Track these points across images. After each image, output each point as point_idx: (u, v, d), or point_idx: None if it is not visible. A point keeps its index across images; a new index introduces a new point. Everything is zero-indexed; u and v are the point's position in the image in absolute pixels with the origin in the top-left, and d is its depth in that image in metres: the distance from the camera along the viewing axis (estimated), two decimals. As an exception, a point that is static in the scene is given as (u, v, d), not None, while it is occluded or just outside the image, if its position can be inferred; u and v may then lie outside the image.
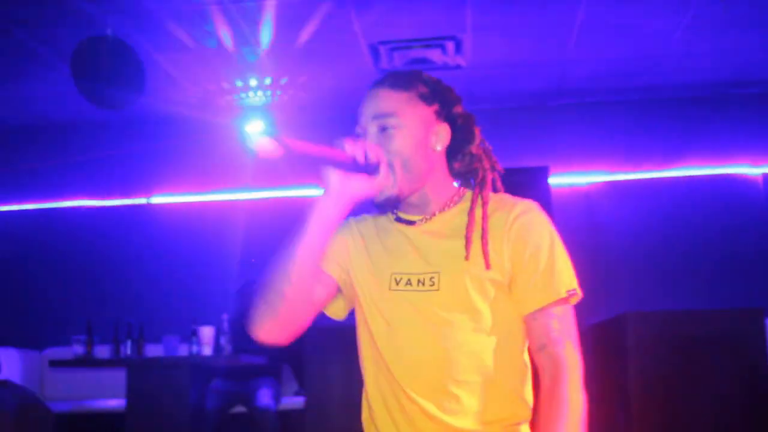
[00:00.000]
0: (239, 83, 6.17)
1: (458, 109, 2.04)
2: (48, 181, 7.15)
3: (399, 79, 2.00)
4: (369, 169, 1.88)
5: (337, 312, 2.09)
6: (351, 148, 1.87)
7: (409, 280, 1.94)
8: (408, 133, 1.95)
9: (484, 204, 1.95)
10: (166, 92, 6.29)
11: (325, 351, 4.79)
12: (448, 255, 1.93)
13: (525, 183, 6.31)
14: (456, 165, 2.03)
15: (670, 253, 6.46)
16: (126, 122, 6.91)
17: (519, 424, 1.93)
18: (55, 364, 5.48)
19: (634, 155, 6.69)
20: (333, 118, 6.46)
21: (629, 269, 6.45)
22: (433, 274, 1.93)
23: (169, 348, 5.41)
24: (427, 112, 1.98)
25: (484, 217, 1.92)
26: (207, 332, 5.29)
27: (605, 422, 4.70)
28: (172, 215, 7.03)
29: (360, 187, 1.89)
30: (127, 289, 6.79)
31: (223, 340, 5.38)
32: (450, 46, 5.57)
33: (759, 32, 5.52)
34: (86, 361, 5.54)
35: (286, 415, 5.51)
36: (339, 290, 2.05)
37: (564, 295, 1.89)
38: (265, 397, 5.41)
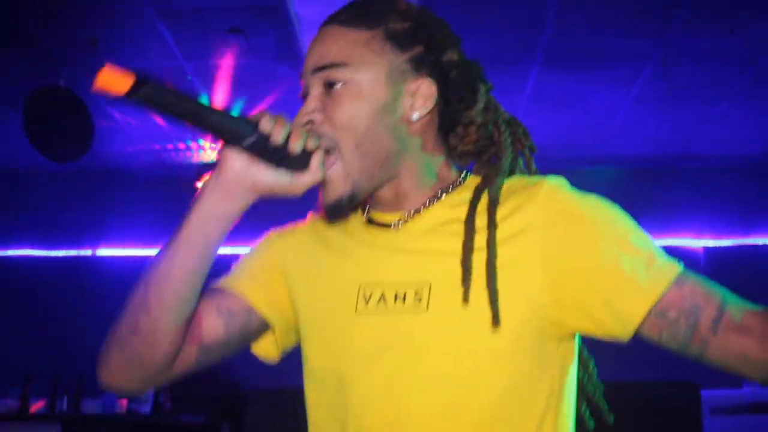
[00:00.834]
0: (191, 141, 6.19)
1: (452, 55, 1.35)
2: (-8, 228, 7.09)
3: (360, 11, 1.34)
4: (290, 159, 1.24)
5: (266, 352, 1.47)
6: (266, 125, 1.22)
7: (383, 295, 1.29)
8: (365, 93, 1.29)
9: (491, 206, 1.26)
10: (119, 145, 6.29)
11: (271, 412, 4.73)
12: (443, 262, 1.27)
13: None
14: (452, 141, 1.40)
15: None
16: (75, 173, 6.87)
17: None
18: (-13, 417, 5.36)
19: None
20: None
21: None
22: (418, 288, 1.27)
23: (107, 404, 5.33)
24: (399, 60, 1.31)
25: (491, 230, 1.24)
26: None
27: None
28: (117, 268, 6.97)
29: (273, 181, 1.25)
30: (67, 342, 6.68)
31: (161, 398, 5.32)
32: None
33: (702, 107, 5.70)
34: (20, 416, 5.42)
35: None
36: (265, 323, 1.43)
37: (673, 278, 1.19)
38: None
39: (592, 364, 1.40)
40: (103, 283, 6.86)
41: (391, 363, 1.26)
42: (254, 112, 1.25)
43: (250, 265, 1.47)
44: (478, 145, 1.40)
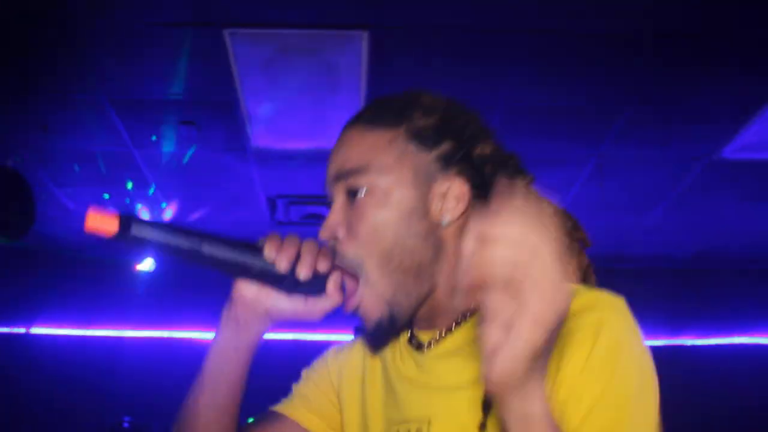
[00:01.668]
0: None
1: (483, 149, 1.23)
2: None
3: (382, 108, 1.26)
4: (302, 286, 1.19)
5: None
6: (270, 253, 1.16)
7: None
8: (389, 200, 1.18)
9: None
10: (59, 225, 6.27)
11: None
12: (451, 394, 1.16)
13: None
14: None
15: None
16: (12, 250, 6.81)
17: None
18: None
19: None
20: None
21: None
22: (420, 425, 1.17)
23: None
24: (425, 159, 1.20)
25: None
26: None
27: None
28: (51, 347, 6.88)
29: (287, 308, 1.22)
30: (-4, 421, 6.57)
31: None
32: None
33: (635, 213, 5.93)
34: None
35: None
36: None
37: None
38: None
39: None
40: (37, 361, 6.78)
41: None
42: (263, 238, 1.18)
43: (306, 386, 1.41)
44: None
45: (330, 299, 1.20)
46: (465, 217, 1.19)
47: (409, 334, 1.28)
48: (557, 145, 4.89)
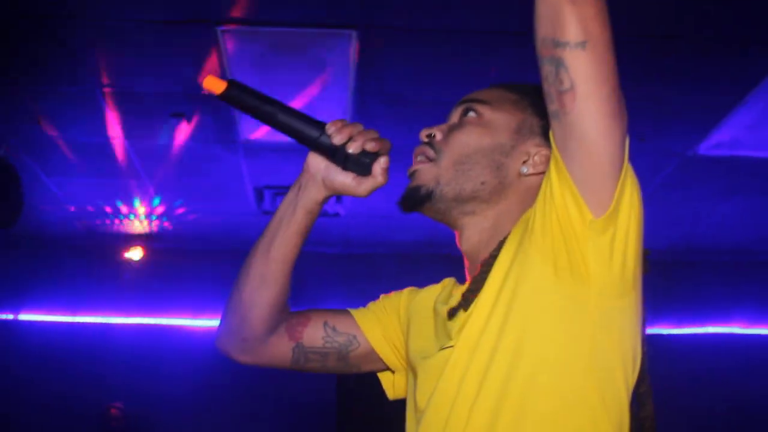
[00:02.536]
0: (124, 209, 6.30)
1: None
2: None
3: (522, 84, 1.50)
4: (353, 162, 1.41)
5: (386, 384, 1.62)
6: (331, 127, 1.39)
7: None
8: (489, 129, 1.42)
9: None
10: (47, 212, 6.36)
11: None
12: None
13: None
14: None
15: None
16: (1, 238, 6.89)
17: None
18: None
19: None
20: (212, 252, 6.65)
21: None
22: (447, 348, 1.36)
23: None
24: (534, 120, 1.43)
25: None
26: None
27: None
28: (39, 333, 6.97)
29: (340, 181, 1.43)
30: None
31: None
32: (331, 195, 5.90)
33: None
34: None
35: None
36: (368, 353, 1.57)
37: None
38: None
39: None
40: (25, 348, 6.87)
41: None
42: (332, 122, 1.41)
43: (376, 305, 1.61)
44: None
45: (374, 179, 1.41)
46: (540, 179, 1.35)
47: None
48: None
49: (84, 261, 6.87)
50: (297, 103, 4.50)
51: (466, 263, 1.47)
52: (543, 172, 1.37)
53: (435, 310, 1.46)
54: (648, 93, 4.42)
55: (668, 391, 6.61)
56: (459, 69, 4.05)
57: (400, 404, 1.53)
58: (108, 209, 6.29)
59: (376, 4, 3.64)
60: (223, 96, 1.39)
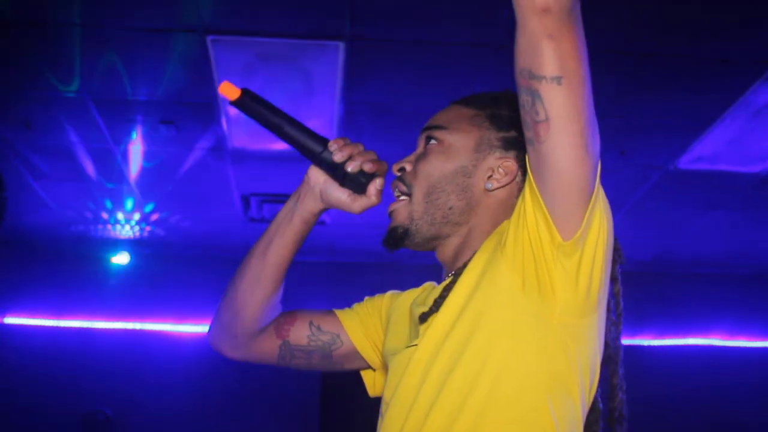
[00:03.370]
0: (111, 215, 6.34)
1: None
2: None
3: (480, 96, 1.56)
4: (350, 180, 1.51)
5: (367, 381, 1.72)
6: (333, 145, 1.49)
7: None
8: (450, 153, 1.49)
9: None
10: (34, 216, 6.38)
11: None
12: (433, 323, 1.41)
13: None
14: None
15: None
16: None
17: None
18: None
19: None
20: (198, 258, 6.69)
21: None
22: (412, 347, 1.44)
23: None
24: (492, 135, 1.49)
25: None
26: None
27: None
28: (24, 337, 6.98)
29: (336, 196, 1.55)
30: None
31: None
32: (317, 203, 5.94)
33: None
34: None
35: None
36: (351, 352, 1.67)
37: None
38: None
39: None
40: (10, 351, 6.88)
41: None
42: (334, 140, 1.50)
43: (360, 306, 1.71)
44: None
45: (368, 198, 1.52)
46: (508, 191, 1.48)
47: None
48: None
49: (70, 266, 6.90)
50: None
51: (445, 269, 1.55)
52: (509, 183, 1.47)
53: (410, 311, 1.53)
54: (629, 107, 4.49)
55: (648, 401, 6.69)
56: (445, 81, 4.12)
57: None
58: (95, 214, 6.32)
59: (363, 17, 3.70)
60: (236, 102, 1.49)
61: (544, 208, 1.26)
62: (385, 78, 4.22)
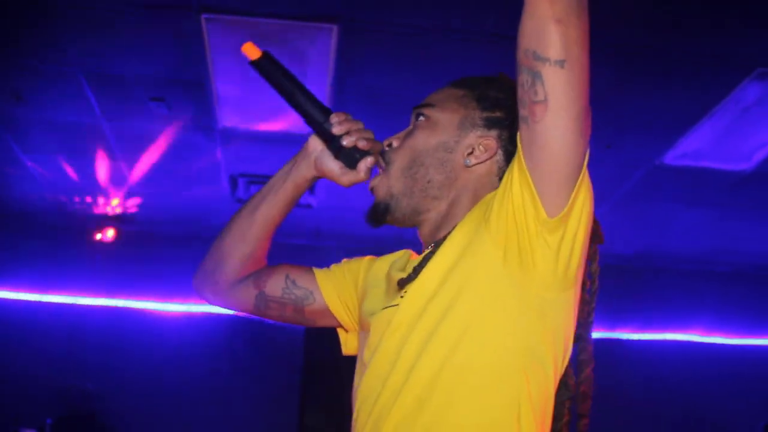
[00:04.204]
0: (98, 191, 6.34)
1: None
2: None
3: (473, 78, 1.61)
4: (344, 154, 1.57)
5: (343, 340, 1.78)
6: (335, 118, 1.57)
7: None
8: (432, 130, 1.54)
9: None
10: (21, 190, 6.38)
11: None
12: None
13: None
14: None
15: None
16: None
17: None
18: None
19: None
20: (184, 237, 6.70)
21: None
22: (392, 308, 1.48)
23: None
24: (476, 114, 1.54)
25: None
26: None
27: None
28: (9, 311, 6.98)
29: (329, 167, 1.62)
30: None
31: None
32: (304, 186, 5.97)
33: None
34: None
35: None
36: (322, 309, 1.72)
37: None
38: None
39: None
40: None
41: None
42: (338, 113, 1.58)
43: (338, 267, 1.76)
44: None
45: (357, 174, 1.57)
46: (488, 167, 1.53)
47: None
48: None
49: (56, 241, 6.89)
50: (276, 94, 4.57)
51: (423, 245, 1.58)
52: (488, 160, 1.52)
53: (388, 275, 1.59)
54: (616, 101, 4.53)
55: (625, 394, 6.76)
56: (438, 66, 4.15)
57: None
58: (82, 190, 6.33)
59: (358, 0, 3.73)
60: (255, 63, 1.57)
61: (532, 185, 1.30)
62: (378, 62, 4.25)
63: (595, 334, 1.57)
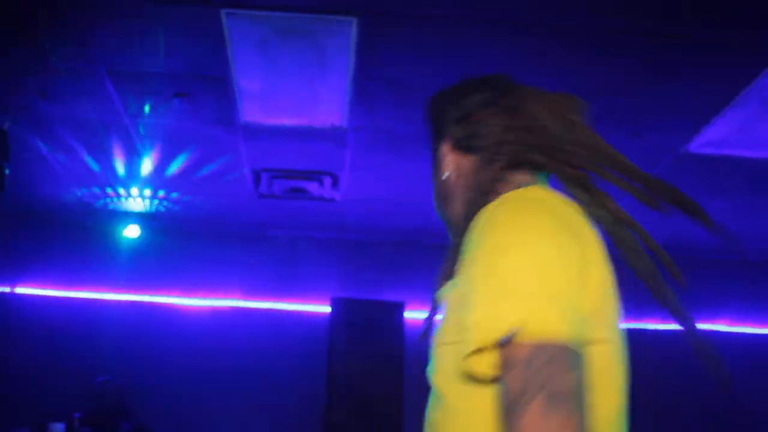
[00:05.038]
0: (122, 188, 6.38)
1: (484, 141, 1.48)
2: None
3: (435, 97, 1.63)
4: None
5: None
6: None
7: None
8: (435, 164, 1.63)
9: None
10: (45, 187, 6.43)
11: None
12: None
13: (380, 317, 6.63)
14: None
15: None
16: (1, 212, 6.96)
17: None
18: None
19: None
20: (208, 233, 6.73)
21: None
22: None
23: (16, 441, 5.40)
24: (434, 137, 1.62)
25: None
26: (57, 429, 5.33)
27: None
28: (35, 306, 7.05)
29: None
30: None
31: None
32: (327, 180, 5.98)
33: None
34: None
35: None
36: None
37: (486, 342, 1.14)
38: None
39: None
40: (21, 320, 6.95)
41: None
42: None
43: None
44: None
45: None
46: (456, 171, 1.53)
47: None
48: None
49: (82, 237, 6.96)
50: (298, 88, 4.59)
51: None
52: (453, 166, 1.54)
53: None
54: (643, 89, 4.50)
55: (651, 384, 6.72)
56: (458, 57, 4.14)
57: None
58: (106, 187, 6.37)
59: (377, -8, 3.73)
60: None
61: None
62: (398, 53, 4.24)
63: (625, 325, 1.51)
